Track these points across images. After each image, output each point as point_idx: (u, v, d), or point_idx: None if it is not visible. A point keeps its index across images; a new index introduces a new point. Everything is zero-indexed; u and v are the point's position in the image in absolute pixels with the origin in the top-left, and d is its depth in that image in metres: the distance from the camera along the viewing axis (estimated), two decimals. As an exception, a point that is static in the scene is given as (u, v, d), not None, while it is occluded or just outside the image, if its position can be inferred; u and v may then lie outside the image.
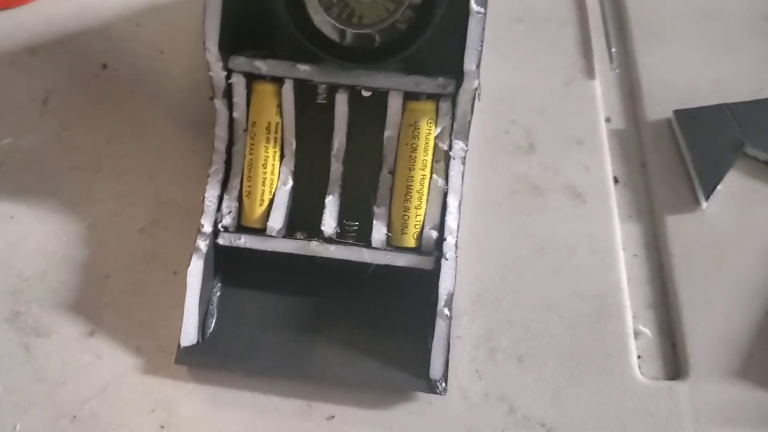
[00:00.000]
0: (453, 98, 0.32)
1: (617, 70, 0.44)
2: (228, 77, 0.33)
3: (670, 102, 0.42)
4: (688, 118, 0.41)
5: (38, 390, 0.33)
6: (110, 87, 0.41)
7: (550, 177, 0.40)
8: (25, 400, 0.32)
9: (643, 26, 0.45)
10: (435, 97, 0.33)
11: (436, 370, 0.32)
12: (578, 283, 0.36)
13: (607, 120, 0.42)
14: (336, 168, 0.34)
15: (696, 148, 0.39)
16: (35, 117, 0.39)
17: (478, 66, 0.31)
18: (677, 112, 0.41)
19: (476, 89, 0.32)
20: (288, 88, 0.33)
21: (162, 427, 0.32)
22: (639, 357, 0.35)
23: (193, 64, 0.42)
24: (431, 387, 0.32)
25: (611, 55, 0.44)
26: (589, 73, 0.44)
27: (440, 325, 0.32)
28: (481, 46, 0.31)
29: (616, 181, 0.40)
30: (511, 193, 0.39)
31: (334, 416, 0.33)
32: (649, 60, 0.44)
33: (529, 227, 0.38)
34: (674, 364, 0.35)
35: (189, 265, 0.33)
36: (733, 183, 0.39)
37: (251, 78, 0.33)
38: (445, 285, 0.32)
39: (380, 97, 0.33)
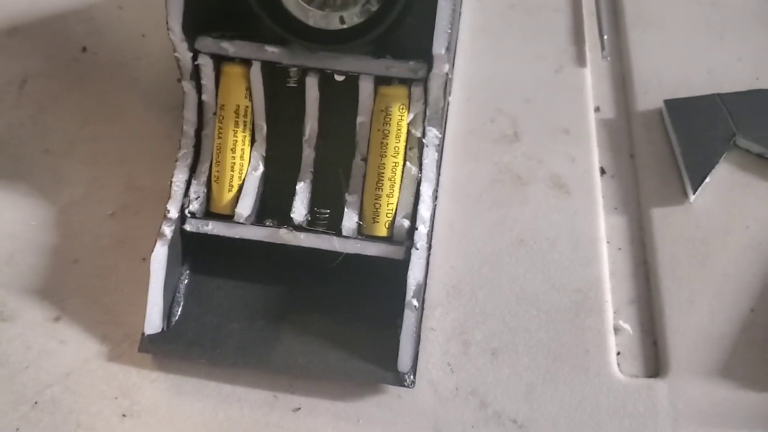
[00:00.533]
0: (425, 83, 0.31)
1: (608, 58, 0.43)
2: (195, 58, 0.32)
3: (662, 91, 0.41)
4: (678, 108, 0.39)
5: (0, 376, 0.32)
6: (89, 70, 0.40)
7: (533, 167, 0.38)
8: (-14, 385, 0.32)
9: (636, 13, 0.43)
10: (407, 82, 0.32)
11: (404, 362, 0.31)
12: (558, 276, 0.35)
13: (597, 109, 0.41)
14: (308, 154, 0.33)
15: (686, 139, 0.38)
16: (12, 99, 0.39)
17: (447, 49, 0.30)
18: (668, 102, 0.40)
19: (447, 74, 0.31)
20: (256, 70, 0.32)
21: (124, 415, 0.31)
22: (618, 353, 0.34)
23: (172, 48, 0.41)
24: (399, 380, 0.31)
25: (603, 42, 0.42)
26: (580, 60, 0.42)
27: (408, 317, 0.31)
28: (451, 28, 0.30)
29: (603, 172, 0.39)
30: (492, 183, 0.38)
31: (300, 408, 0.32)
32: (642, 48, 0.42)
33: (509, 219, 0.37)
34: (654, 361, 0.34)
35: (152, 251, 0.32)
36: (723, 176, 0.37)
37: (219, 60, 0.32)
38: (414, 275, 0.31)
39: (353, 82, 0.32)
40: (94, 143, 0.38)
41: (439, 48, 0.30)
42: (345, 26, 0.30)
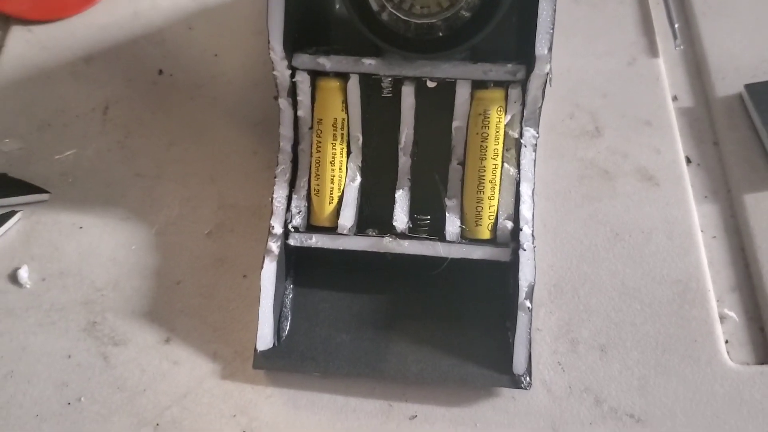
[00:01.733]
0: (523, 84, 0.32)
1: (681, 47, 0.42)
2: (292, 75, 0.32)
3: (740, 76, 0.41)
4: (760, 92, 0.39)
5: (118, 398, 0.33)
6: (168, 92, 0.41)
7: (619, 161, 0.38)
8: (107, 409, 0.32)
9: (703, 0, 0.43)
10: (503, 85, 0.32)
11: (519, 364, 0.32)
12: (657, 268, 0.35)
13: (674, 99, 0.41)
14: (404, 162, 0.34)
15: (772, 123, 0.38)
16: (97, 126, 0.40)
17: (549, 49, 0.30)
18: (748, 86, 0.39)
19: (548, 74, 0.31)
20: (354, 83, 0.32)
21: (244, 431, 0.32)
22: (726, 342, 0.34)
23: (248, 64, 0.42)
24: (515, 382, 0.32)
25: (674, 31, 0.42)
26: (652, 51, 0.42)
27: (522, 318, 0.31)
28: (552, 28, 0.30)
29: (688, 161, 0.39)
30: (580, 179, 0.38)
31: (416, 415, 0.32)
32: (714, 34, 0.42)
33: (601, 214, 0.37)
34: (764, 347, 0.34)
35: (262, 268, 0.32)
36: (815, 157, 0.37)
37: (315, 75, 0.33)
38: (525, 276, 0.31)
39: (445, 87, 0.33)
40: (183, 164, 0.38)
41: (542, 48, 0.30)
42: (442, 34, 0.31)
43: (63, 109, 0.40)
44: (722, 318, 0.34)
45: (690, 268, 0.35)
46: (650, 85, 0.41)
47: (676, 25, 0.42)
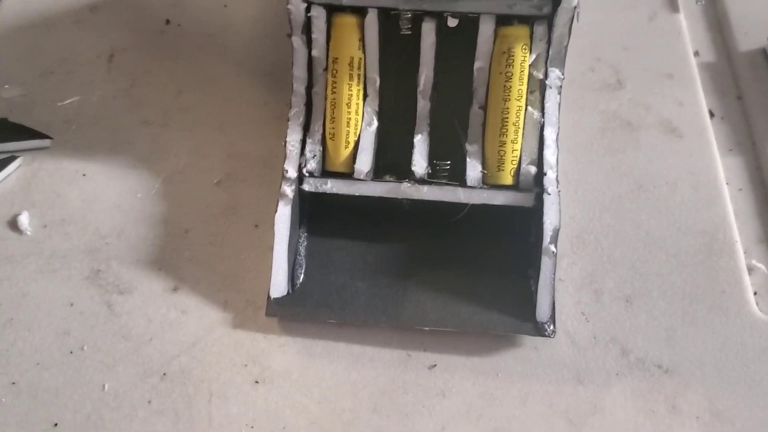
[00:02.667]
0: (549, 20, 0.30)
1: (702, 2, 0.41)
2: (307, 10, 0.31)
3: (763, 30, 0.40)
4: (785, 45, 0.38)
5: (123, 347, 0.31)
6: (176, 42, 0.39)
7: (642, 113, 0.37)
8: (111, 358, 0.31)
9: (727, -46, 0.42)
10: (528, 21, 0.31)
11: (543, 311, 0.30)
12: (682, 219, 0.34)
13: (696, 53, 0.40)
14: (423, 105, 0.32)
15: (799, 74, 0.37)
16: (102, 74, 0.38)
17: (579, -19, 0.29)
18: (773, 40, 0.39)
19: (575, 8, 0.30)
20: (372, 18, 0.31)
21: (256, 381, 0.30)
22: (755, 293, 0.33)
23: (257, 15, 0.41)
24: (539, 330, 0.30)
25: (696, -15, 0.41)
26: (673, 6, 0.41)
27: (546, 263, 0.30)
28: (582, -42, 0.29)
29: (711, 115, 0.38)
30: (602, 131, 0.37)
31: (435, 365, 0.31)
32: (737, -11, 0.41)
33: (624, 165, 0.36)
34: (794, 299, 0.33)
35: (275, 212, 0.31)
36: (843, 108, 0.36)
37: (330, 11, 0.31)
38: (550, 220, 0.30)
39: (466, 27, 0.31)
40: (191, 112, 0.37)
41: (571, -21, 0.29)
42: (466, -35, 0.29)
43: (66, 56, 0.39)
44: (750, 269, 0.33)
45: (716, 219, 0.34)
46: (671, 39, 0.40)
47: (698, -20, 0.42)
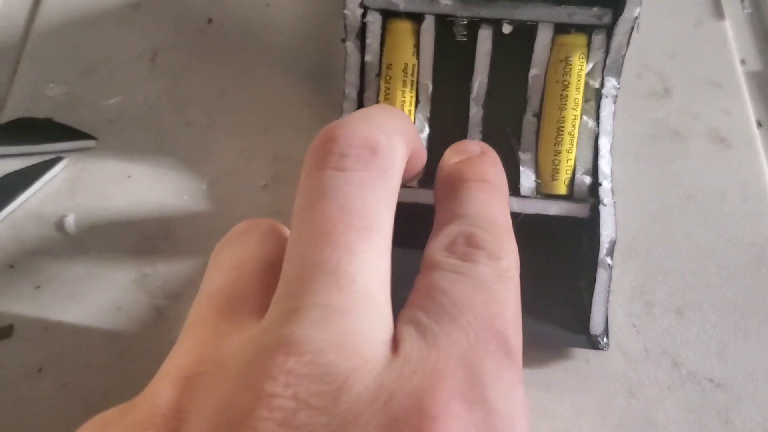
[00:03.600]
0: (608, 30, 0.30)
1: (749, 10, 0.41)
2: (363, 16, 0.31)
3: (811, 40, 0.39)
4: (835, 56, 0.38)
5: (172, 353, 0.31)
6: (218, 41, 0.39)
7: (689, 122, 0.37)
8: (160, 362, 0.30)
9: (775, -39, 0.42)
10: (586, 30, 0.30)
11: (597, 324, 0.30)
12: (733, 230, 0.34)
13: (742, 62, 0.40)
14: (476, 112, 0.32)
15: None
16: (145, 73, 0.38)
17: (641, -9, 0.29)
18: (823, 50, 0.38)
19: (636, 18, 0.29)
20: (429, 24, 0.31)
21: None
22: (806, 308, 0.32)
23: (299, 15, 0.40)
24: (593, 342, 0.30)
25: (743, -7, 0.41)
26: (718, 13, 0.41)
27: (602, 276, 0.30)
28: (646, -32, 0.28)
29: (759, 125, 0.37)
30: (650, 139, 0.36)
31: (486, 375, 0.31)
32: (784, -3, 0.41)
33: (673, 174, 0.35)
34: None
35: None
36: None
37: (386, 16, 0.31)
38: (606, 232, 0.30)
39: (521, 34, 0.31)
40: (235, 114, 0.37)
41: (635, -11, 0.28)
42: (526, -27, 0.29)
43: (109, 55, 0.38)
44: (801, 283, 0.33)
45: (766, 231, 0.34)
46: (717, 47, 0.40)
47: (744, -13, 0.41)
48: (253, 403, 0.16)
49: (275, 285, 0.20)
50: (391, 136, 0.22)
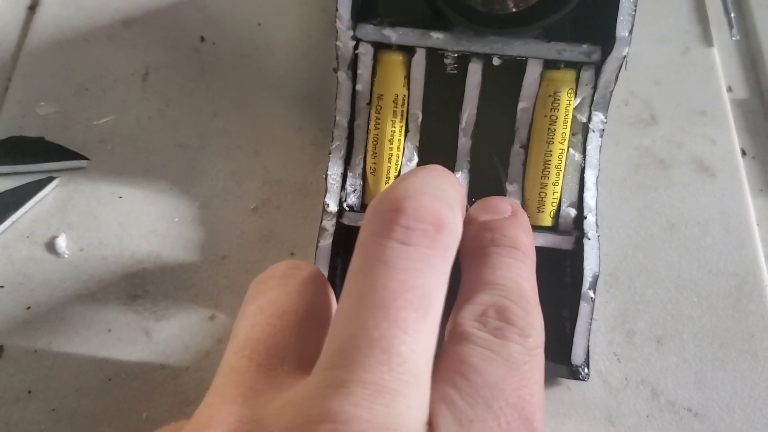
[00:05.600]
0: (597, 67, 0.31)
1: (737, 37, 0.42)
2: (355, 47, 0.31)
3: (796, 69, 0.40)
4: (819, 86, 0.38)
5: (161, 375, 0.31)
6: (210, 61, 0.39)
7: (674, 151, 0.38)
8: (148, 385, 0.31)
9: (762, -11, 0.42)
10: (575, 66, 0.31)
11: (578, 355, 0.31)
12: (714, 261, 0.35)
13: (729, 89, 0.40)
14: (464, 143, 0.32)
15: (832, 118, 0.37)
16: (137, 92, 0.38)
17: (630, 32, 0.29)
18: (807, 80, 0.39)
19: (625, 57, 0.30)
20: (420, 58, 0.31)
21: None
22: (783, 339, 0.33)
23: (292, 35, 0.40)
24: (573, 373, 0.31)
25: (730, 20, 0.41)
26: (707, 40, 0.41)
27: (584, 309, 0.30)
28: (635, 10, 0.29)
29: (743, 153, 0.38)
30: (635, 167, 0.37)
31: (469, 402, 0.31)
32: (771, 25, 0.41)
33: (657, 203, 0.36)
34: (821, 346, 0.33)
35: (316, 246, 0.31)
36: None
37: (377, 48, 0.31)
38: (590, 266, 0.31)
39: (510, 67, 0.31)
40: (227, 136, 0.37)
41: (622, 30, 0.29)
42: (515, 10, 0.29)
43: (101, 73, 0.38)
44: (779, 314, 0.34)
45: (746, 261, 0.35)
46: (705, 74, 0.40)
47: (732, 15, 0.42)
48: None
49: (315, 338, 0.21)
50: (455, 211, 0.22)
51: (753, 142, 0.38)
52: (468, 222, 0.25)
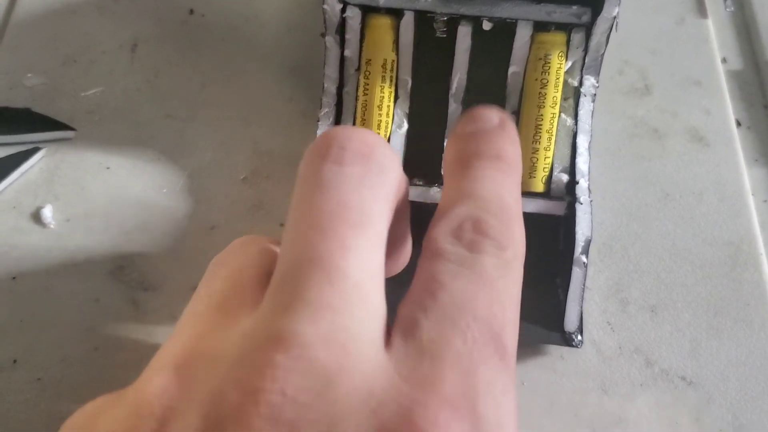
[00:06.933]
0: (587, 29, 0.30)
1: (731, 9, 0.41)
2: (343, 11, 0.31)
3: (792, 40, 0.39)
4: (815, 56, 0.38)
5: (148, 345, 0.31)
6: (199, 33, 0.39)
7: (669, 120, 0.37)
8: (136, 355, 0.31)
9: (758, -40, 0.42)
10: (565, 28, 0.30)
11: (571, 321, 0.30)
12: (708, 230, 0.34)
13: (723, 61, 0.40)
14: (455, 108, 0.32)
15: (829, 86, 0.37)
16: (125, 65, 0.38)
17: (619, -9, 0.29)
18: (803, 50, 0.38)
19: (615, 17, 0.29)
20: (408, 21, 0.30)
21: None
22: (779, 307, 0.33)
23: (282, 7, 0.40)
24: (566, 340, 0.30)
25: (725, -9, 0.41)
26: (701, 11, 0.41)
27: (576, 274, 0.30)
28: (625, -32, 0.29)
29: (738, 124, 0.38)
30: (629, 137, 0.37)
31: (461, 371, 0.31)
32: (766, -4, 0.41)
33: (651, 173, 0.36)
34: (818, 314, 0.33)
35: (305, 212, 0.31)
36: None
37: (365, 12, 0.31)
38: (582, 231, 0.30)
39: (501, 31, 0.31)
40: (216, 107, 0.37)
41: (613, -11, 0.28)
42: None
43: (89, 45, 0.38)
44: (774, 283, 0.33)
45: (741, 230, 0.34)
46: (699, 45, 0.40)
47: (727, -15, 0.41)
48: (242, 397, 0.16)
49: None
50: (388, 147, 0.22)
51: (748, 113, 0.38)
52: (453, 134, 0.24)
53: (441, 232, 0.21)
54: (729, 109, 0.38)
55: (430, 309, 0.19)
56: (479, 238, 0.20)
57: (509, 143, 0.24)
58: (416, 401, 0.17)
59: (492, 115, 0.24)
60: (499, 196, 0.22)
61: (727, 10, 0.41)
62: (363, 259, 0.19)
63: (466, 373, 0.18)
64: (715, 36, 0.40)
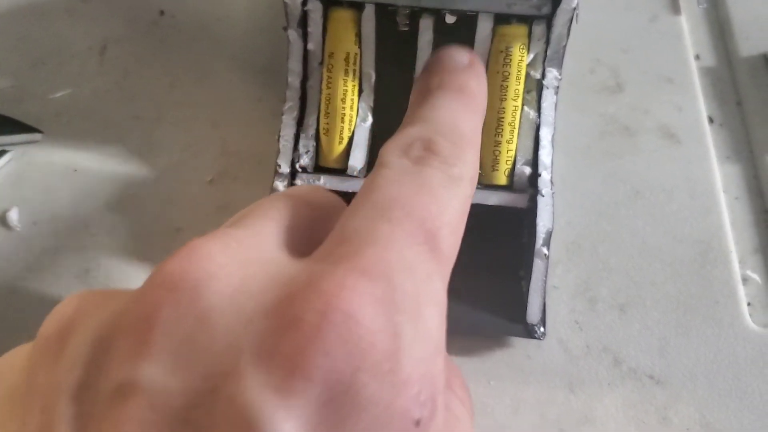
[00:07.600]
0: (548, 20, 0.30)
1: (704, 5, 0.41)
2: (304, 4, 0.31)
3: (765, 37, 0.39)
4: (787, 52, 0.38)
5: (111, 346, 0.31)
6: (170, 34, 0.39)
7: (640, 118, 0.37)
8: (98, 356, 0.31)
9: (731, -43, 0.42)
10: (527, 21, 0.30)
11: (533, 313, 0.30)
12: (678, 228, 0.34)
13: (696, 57, 0.39)
14: (419, 104, 0.32)
15: (800, 82, 0.36)
16: (94, 65, 0.38)
17: (579, -17, 0.28)
18: (776, 46, 0.38)
19: (575, 9, 0.29)
20: (369, 13, 0.30)
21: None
22: (749, 304, 0.32)
23: (252, 8, 0.40)
24: (529, 331, 0.30)
25: (698, -12, 0.41)
26: (674, 8, 0.41)
27: (538, 266, 0.30)
28: (583, -41, 0.28)
29: (710, 121, 0.37)
30: (600, 134, 0.36)
31: (425, 370, 0.30)
32: (739, -7, 0.41)
33: (622, 170, 0.35)
34: (789, 311, 0.32)
35: (267, 210, 0.30)
36: None
37: (327, 5, 0.31)
38: (543, 222, 0.30)
39: (464, 24, 0.31)
40: (184, 108, 0.37)
41: (571, -19, 0.28)
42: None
43: (58, 47, 0.38)
44: (744, 280, 0.33)
45: (712, 228, 0.34)
46: (672, 42, 0.39)
47: (700, -17, 0.41)
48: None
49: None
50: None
51: (720, 110, 0.38)
52: (423, 69, 0.24)
53: (390, 149, 0.20)
54: (701, 106, 0.37)
55: (361, 208, 0.18)
56: (427, 154, 0.20)
57: (474, 78, 0.23)
58: (326, 271, 0.16)
59: (461, 55, 0.24)
60: (454, 123, 0.21)
61: (700, 6, 0.41)
62: None
63: (385, 249, 0.17)
64: (689, 33, 0.40)
